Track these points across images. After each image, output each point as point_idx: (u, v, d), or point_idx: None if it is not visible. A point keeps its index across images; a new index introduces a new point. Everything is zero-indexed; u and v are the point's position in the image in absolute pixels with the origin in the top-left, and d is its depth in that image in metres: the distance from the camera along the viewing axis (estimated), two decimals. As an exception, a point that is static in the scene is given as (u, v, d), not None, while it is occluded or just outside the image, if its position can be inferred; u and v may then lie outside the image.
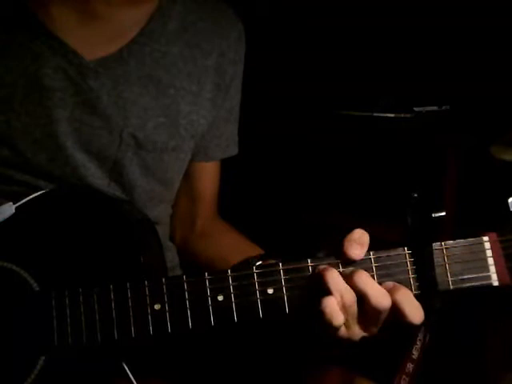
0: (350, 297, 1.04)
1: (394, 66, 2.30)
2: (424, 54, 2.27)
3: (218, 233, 1.61)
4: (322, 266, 1.07)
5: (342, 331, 1.06)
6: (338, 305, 1.03)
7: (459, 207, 1.96)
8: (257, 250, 1.43)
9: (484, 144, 2.01)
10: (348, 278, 1.05)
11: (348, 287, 1.04)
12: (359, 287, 1.03)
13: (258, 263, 1.27)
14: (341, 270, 1.07)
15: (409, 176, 2.15)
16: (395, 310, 1.03)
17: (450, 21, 2.23)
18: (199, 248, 1.60)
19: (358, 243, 1.06)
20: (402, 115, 2.24)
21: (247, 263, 1.27)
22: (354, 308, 1.05)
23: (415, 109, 2.24)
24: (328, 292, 1.04)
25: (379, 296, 1.03)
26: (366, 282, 1.04)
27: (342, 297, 1.03)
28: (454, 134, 2.20)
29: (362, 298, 1.04)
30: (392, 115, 2.24)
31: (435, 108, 2.25)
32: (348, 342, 1.07)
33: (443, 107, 2.25)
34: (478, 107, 2.18)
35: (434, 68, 2.26)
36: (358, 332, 1.07)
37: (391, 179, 2.19)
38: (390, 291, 1.04)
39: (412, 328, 1.04)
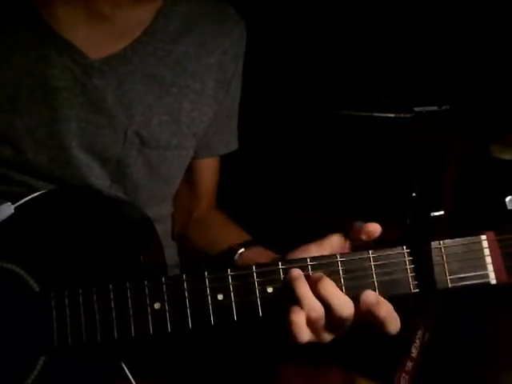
0: (318, 311, 1.05)
1: (394, 65, 2.30)
2: (424, 54, 2.27)
3: (211, 221, 1.63)
4: (293, 273, 1.07)
5: (311, 338, 1.08)
6: (304, 321, 1.05)
7: (458, 206, 1.96)
8: (246, 237, 1.46)
9: (484, 144, 2.01)
10: (314, 286, 1.06)
11: (316, 301, 1.05)
12: (323, 297, 1.05)
13: (240, 251, 1.29)
14: (310, 273, 1.08)
15: (408, 176, 2.15)
16: (377, 324, 1.05)
17: (450, 21, 2.24)
18: (193, 235, 1.62)
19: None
20: (402, 115, 2.25)
21: (231, 250, 1.29)
22: (322, 321, 1.06)
23: (415, 109, 2.25)
24: (297, 302, 1.05)
25: (342, 306, 1.04)
26: (330, 292, 1.05)
27: (310, 311, 1.04)
28: (453, 134, 2.20)
29: (326, 307, 1.05)
30: (392, 115, 2.25)
31: (435, 108, 2.25)
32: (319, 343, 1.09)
33: (443, 107, 2.25)
34: (477, 107, 2.18)
35: (434, 68, 2.26)
36: (327, 337, 1.08)
37: (391, 179, 2.19)
38: (374, 307, 1.04)
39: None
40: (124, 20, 1.37)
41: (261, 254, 1.35)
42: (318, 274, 1.07)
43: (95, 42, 1.35)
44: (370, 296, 1.05)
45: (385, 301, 1.05)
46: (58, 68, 1.32)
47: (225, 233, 1.54)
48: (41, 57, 1.32)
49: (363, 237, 1.10)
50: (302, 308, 1.04)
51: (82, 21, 1.35)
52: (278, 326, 1.10)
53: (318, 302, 1.05)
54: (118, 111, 1.35)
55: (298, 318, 1.04)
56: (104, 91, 1.34)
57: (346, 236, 1.14)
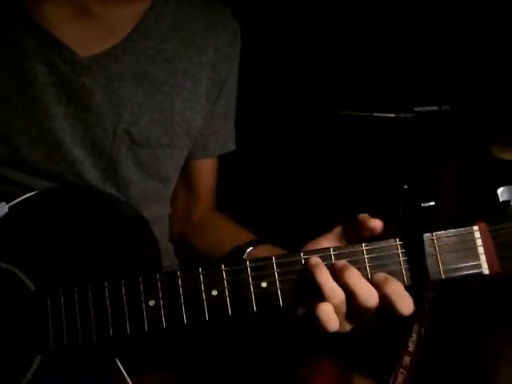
0: (340, 297, 1.04)
1: (394, 65, 2.30)
2: (424, 54, 2.27)
3: (213, 223, 1.63)
4: (313, 261, 1.07)
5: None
6: (332, 308, 1.04)
7: (458, 208, 1.96)
8: (251, 237, 1.45)
9: (484, 144, 2.01)
10: (338, 275, 1.05)
11: (338, 288, 1.05)
12: (348, 285, 1.04)
13: (248, 249, 1.28)
14: (333, 261, 1.07)
15: (408, 176, 2.15)
16: (386, 302, 1.04)
17: (450, 21, 2.23)
18: (195, 238, 1.62)
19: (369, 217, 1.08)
20: (402, 115, 2.24)
21: (239, 250, 1.28)
22: (344, 307, 1.05)
23: (415, 109, 2.25)
24: (319, 290, 1.04)
25: (367, 295, 1.04)
26: (356, 280, 1.04)
27: (331, 297, 1.04)
28: (453, 134, 2.20)
29: (350, 295, 1.04)
30: (392, 115, 2.25)
31: (435, 108, 2.25)
32: (338, 332, 1.07)
33: (443, 107, 2.25)
34: (478, 107, 2.18)
35: (434, 68, 2.26)
36: (347, 326, 1.08)
37: (391, 179, 2.19)
38: (381, 283, 1.04)
39: (402, 319, 1.04)
40: (113, 17, 1.38)
41: (270, 252, 1.32)
42: (343, 262, 1.07)
43: (84, 39, 1.35)
44: (379, 275, 1.05)
45: (394, 279, 1.05)
46: (45, 64, 1.32)
47: (229, 233, 1.54)
48: (30, 53, 1.32)
49: (365, 232, 1.10)
50: (323, 295, 1.04)
51: (70, 18, 1.35)
52: (301, 318, 1.10)
53: (339, 288, 1.05)
54: (107, 109, 1.36)
55: (325, 306, 1.04)
56: (92, 89, 1.35)
57: (349, 228, 1.14)
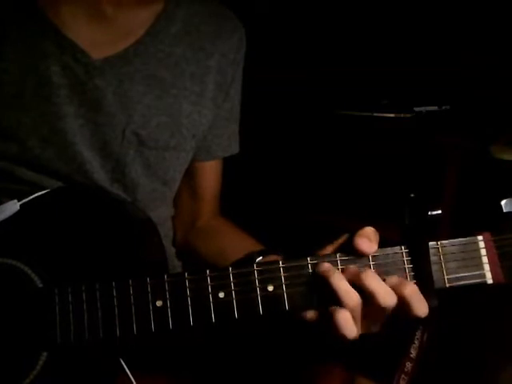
0: (356, 300, 1.05)
1: (395, 66, 2.31)
2: (424, 55, 2.28)
3: (218, 229, 1.63)
4: (323, 267, 1.07)
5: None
6: (350, 315, 1.04)
7: (457, 207, 1.97)
8: (257, 246, 1.44)
9: (484, 144, 2.02)
10: (355, 278, 1.06)
11: (353, 291, 1.05)
12: (367, 287, 1.04)
13: (258, 259, 1.28)
14: (339, 267, 1.08)
15: (409, 176, 2.16)
16: (403, 305, 1.04)
17: (451, 21, 2.24)
18: (199, 244, 1.61)
19: (369, 238, 1.07)
20: (402, 115, 2.25)
21: (249, 258, 1.29)
22: (358, 311, 1.05)
23: (415, 109, 2.26)
24: (334, 295, 1.05)
25: (386, 295, 1.04)
26: (374, 281, 1.04)
27: (348, 300, 1.04)
28: (454, 134, 2.21)
29: (368, 296, 1.05)
30: (392, 115, 2.26)
31: (435, 108, 2.26)
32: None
33: (443, 107, 2.26)
34: (478, 107, 2.19)
35: (434, 68, 2.27)
36: (359, 330, 1.08)
37: (391, 179, 2.20)
38: (397, 286, 1.05)
39: (416, 321, 1.05)
40: (126, 21, 1.40)
41: None
42: (354, 266, 1.08)
43: (97, 41, 1.37)
44: (393, 278, 1.06)
45: (408, 281, 1.05)
46: (59, 65, 1.34)
47: (233, 241, 1.54)
48: (44, 54, 1.34)
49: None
50: (338, 298, 1.04)
51: (85, 21, 1.37)
52: (311, 322, 1.10)
53: (354, 291, 1.04)
54: (117, 110, 1.37)
55: (344, 313, 1.03)
56: (104, 90, 1.36)
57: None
